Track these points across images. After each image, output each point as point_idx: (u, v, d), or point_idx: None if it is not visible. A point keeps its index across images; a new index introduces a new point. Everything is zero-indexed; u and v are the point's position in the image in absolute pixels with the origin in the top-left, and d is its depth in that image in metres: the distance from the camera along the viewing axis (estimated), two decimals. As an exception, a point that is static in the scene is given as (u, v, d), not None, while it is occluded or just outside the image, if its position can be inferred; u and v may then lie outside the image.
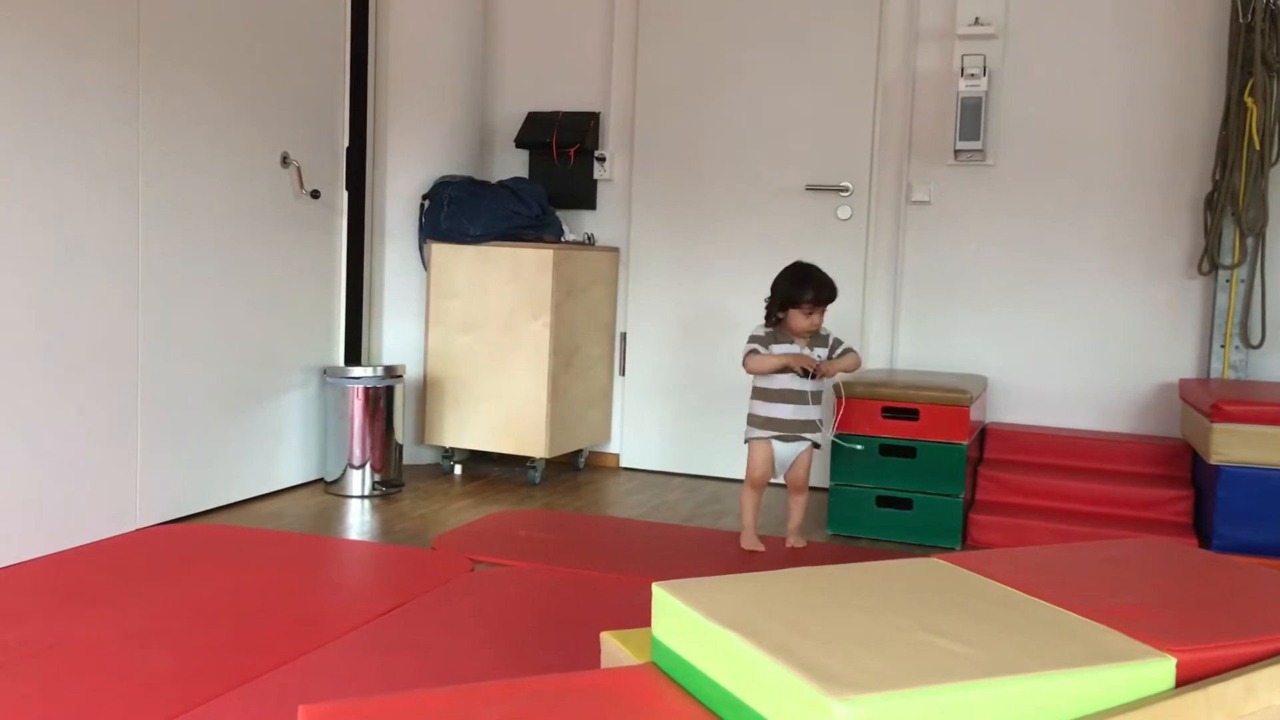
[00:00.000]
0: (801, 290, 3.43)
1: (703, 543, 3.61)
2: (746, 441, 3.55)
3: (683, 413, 4.73)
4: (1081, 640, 1.42)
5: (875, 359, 4.45)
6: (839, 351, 3.51)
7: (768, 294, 3.53)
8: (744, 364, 3.49)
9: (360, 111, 4.43)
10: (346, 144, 4.39)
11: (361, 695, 2.12)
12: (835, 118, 4.47)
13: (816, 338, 3.50)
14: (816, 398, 3.47)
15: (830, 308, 4.50)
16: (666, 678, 1.59)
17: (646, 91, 4.73)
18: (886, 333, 4.45)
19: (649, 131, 4.74)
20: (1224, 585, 1.73)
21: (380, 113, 4.52)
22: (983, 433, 4.13)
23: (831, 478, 3.81)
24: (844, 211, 4.48)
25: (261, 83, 3.90)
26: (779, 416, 3.47)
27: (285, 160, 4.03)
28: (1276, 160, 3.86)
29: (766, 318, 3.53)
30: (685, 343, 4.72)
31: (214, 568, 3.07)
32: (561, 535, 3.62)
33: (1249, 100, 3.79)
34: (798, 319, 3.43)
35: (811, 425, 3.48)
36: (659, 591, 1.63)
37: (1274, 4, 3.79)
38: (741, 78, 4.59)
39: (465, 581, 3.02)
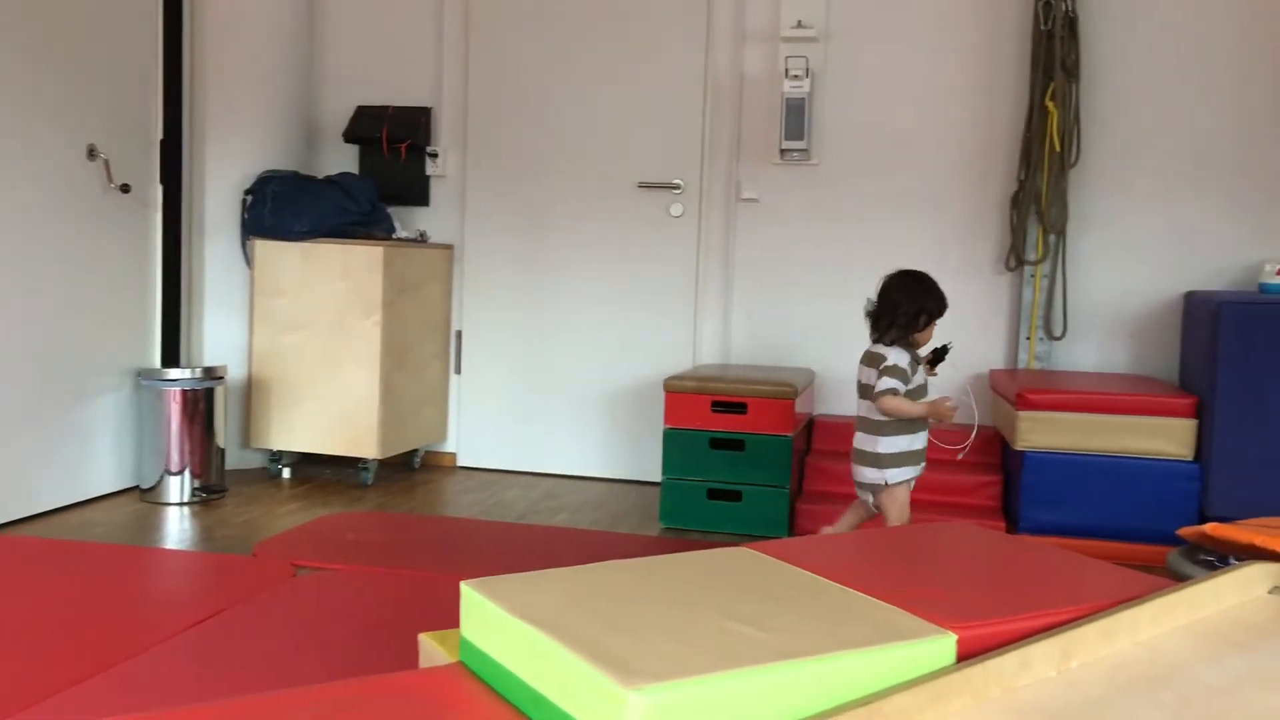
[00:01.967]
0: (940, 298, 3.03)
1: (536, 540, 3.60)
2: (890, 485, 2.98)
3: (520, 410, 4.71)
4: (872, 622, 1.48)
5: (708, 354, 4.53)
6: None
7: (871, 304, 3.06)
8: (882, 405, 2.94)
9: (175, 102, 4.25)
10: (160, 136, 4.21)
11: (170, 706, 2.04)
12: (666, 116, 4.52)
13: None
14: None
15: (664, 302, 4.60)
16: (474, 677, 1.58)
17: (479, 87, 4.69)
18: (719, 328, 4.53)
19: (482, 128, 4.70)
20: (1010, 565, 1.82)
21: (198, 104, 4.35)
22: (810, 424, 4.25)
23: (663, 472, 3.86)
24: (676, 209, 4.53)
25: (64, 70, 3.70)
26: (924, 447, 3.05)
27: (92, 153, 3.83)
28: (1075, 162, 4.08)
29: (885, 334, 3.01)
30: (522, 340, 4.70)
31: (15, 581, 2.91)
32: (391, 537, 3.56)
33: (1050, 104, 4.00)
34: (930, 332, 3.04)
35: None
36: (467, 590, 1.61)
37: (1072, 12, 4.01)
38: (574, 75, 4.60)
39: (287, 587, 2.93)
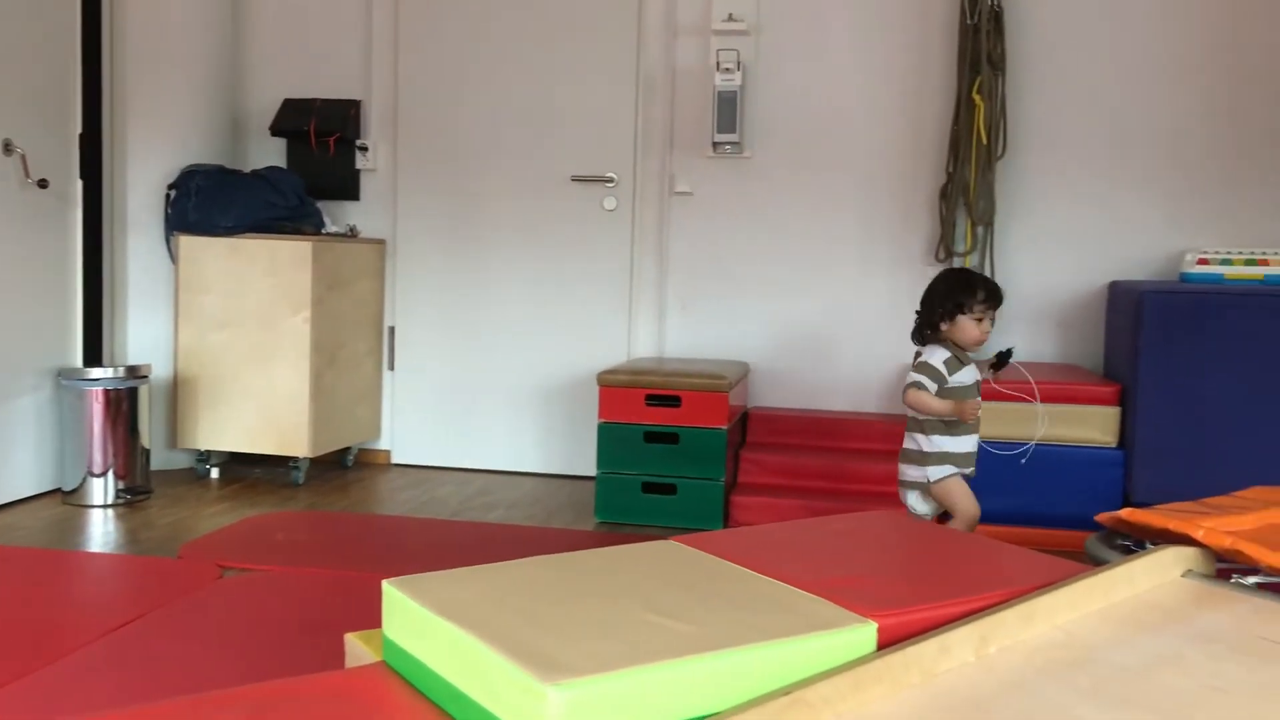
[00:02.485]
0: (970, 291, 2.89)
1: (469, 537, 3.58)
2: (935, 483, 2.92)
3: (455, 406, 4.67)
4: (794, 612, 1.48)
5: (643, 348, 4.52)
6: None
7: (916, 309, 3.00)
8: (906, 398, 2.89)
9: (94, 94, 4.15)
10: (80, 130, 4.10)
11: (89, 712, 2.00)
12: (599, 109, 4.50)
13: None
14: None
15: (598, 296, 4.58)
16: (397, 676, 1.56)
17: (409, 80, 4.64)
18: (654, 322, 4.52)
19: (413, 121, 4.65)
20: (932, 553, 1.84)
21: (118, 96, 4.25)
22: (745, 417, 4.27)
23: (598, 466, 3.85)
24: (610, 202, 4.52)
25: (-22, 62, 3.60)
26: (974, 450, 2.95)
27: (8, 147, 3.73)
28: (1002, 154, 4.14)
29: (920, 334, 2.98)
30: (456, 335, 4.66)
31: (-73, 590, 2.82)
32: (322, 536, 3.51)
33: (977, 97, 4.05)
34: (969, 328, 2.88)
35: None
36: (388, 589, 1.59)
37: (998, 6, 4.06)
38: (506, 68, 4.56)
39: (213, 589, 2.88)
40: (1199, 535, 1.66)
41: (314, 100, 4.65)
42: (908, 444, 2.98)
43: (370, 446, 4.73)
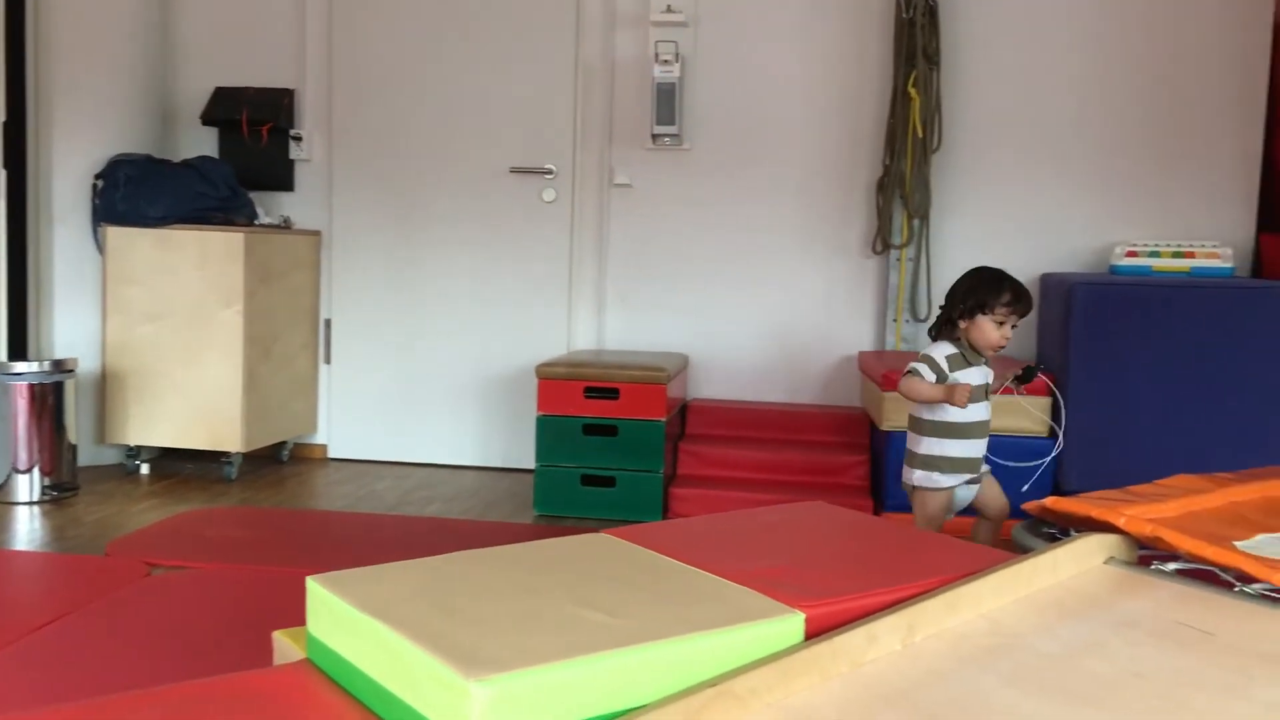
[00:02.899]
0: (997, 291, 2.72)
1: (406, 531, 3.54)
2: (916, 488, 2.81)
3: (392, 399, 4.63)
4: (722, 603, 1.48)
5: (583, 340, 4.51)
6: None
7: (940, 305, 2.88)
8: (899, 384, 2.81)
9: (19, 82, 4.03)
10: (3, 118, 3.99)
11: (9, 711, 1.94)
12: (538, 100, 4.47)
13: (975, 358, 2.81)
14: None
15: (538, 288, 4.55)
16: (321, 674, 1.53)
17: (344, 69, 4.57)
18: (593, 314, 4.51)
19: (348, 110, 4.58)
20: (861, 543, 1.85)
21: (44, 84, 4.14)
22: (684, 409, 4.27)
23: (537, 459, 3.83)
24: (549, 194, 4.50)
25: (-108, 47, 3.48)
26: (973, 455, 2.78)
27: (-75, 134, 3.62)
28: (938, 147, 4.18)
29: (937, 330, 2.85)
30: (393, 328, 4.61)
31: None
32: (254, 533, 3.45)
33: (912, 91, 4.08)
34: (988, 329, 2.73)
35: (984, 459, 2.84)
36: (312, 585, 1.57)
37: (932, 1, 4.10)
38: (444, 57, 4.52)
39: (140, 587, 2.82)
40: (1121, 523, 1.69)
41: (246, 89, 4.57)
42: (908, 444, 2.85)
43: (306, 441, 4.66)
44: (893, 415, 3.63)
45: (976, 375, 2.75)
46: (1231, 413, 3.49)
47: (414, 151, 4.55)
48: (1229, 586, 1.54)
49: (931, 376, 2.73)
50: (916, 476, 2.79)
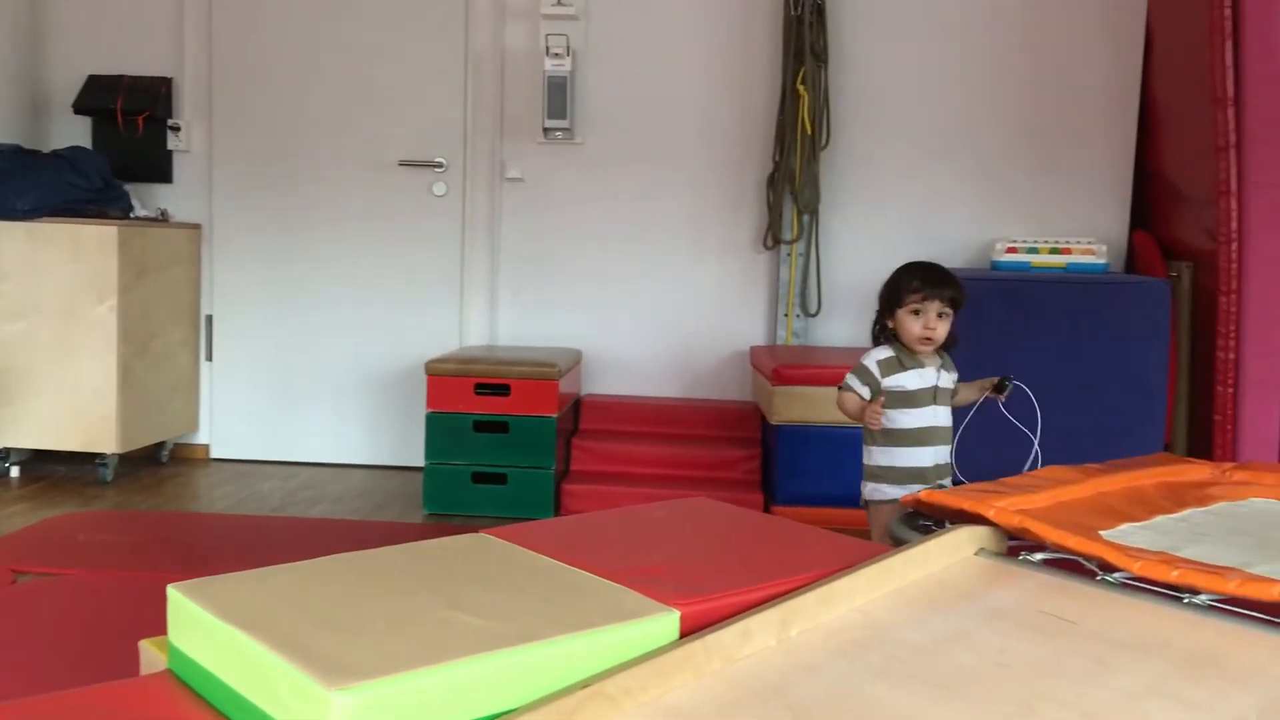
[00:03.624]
0: (906, 280, 2.55)
1: (289, 533, 3.46)
2: (867, 502, 2.63)
3: (278, 397, 4.51)
4: (598, 603, 1.47)
5: (475, 336, 4.46)
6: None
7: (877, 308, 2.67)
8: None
9: None
10: None
11: None
12: (427, 92, 4.41)
13: (943, 359, 2.60)
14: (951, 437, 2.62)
15: (428, 284, 4.48)
16: (182, 685, 1.47)
17: (225, 57, 4.44)
18: (486, 309, 4.46)
19: (229, 100, 4.45)
20: (740, 539, 1.86)
21: (-102, 68, 3.94)
22: (577, 404, 4.25)
23: (426, 457, 3.77)
24: (439, 188, 4.43)
25: None
26: (924, 464, 2.56)
27: None
28: (826, 144, 4.23)
29: (875, 335, 2.66)
30: (278, 324, 4.50)
31: None
32: (129, 537, 3.33)
33: (801, 88, 4.12)
34: (906, 323, 2.53)
35: (949, 468, 2.61)
36: (173, 593, 1.51)
37: None
38: (329, 46, 4.42)
39: (3, 595, 2.69)
40: (990, 515, 1.72)
41: (122, 76, 4.41)
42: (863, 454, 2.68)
43: (187, 441, 4.52)
44: (782, 409, 3.67)
45: (913, 378, 2.55)
46: (1103, 404, 3.60)
47: (299, 143, 4.44)
48: (1092, 576, 1.58)
49: (864, 388, 2.57)
50: (867, 489, 2.61)
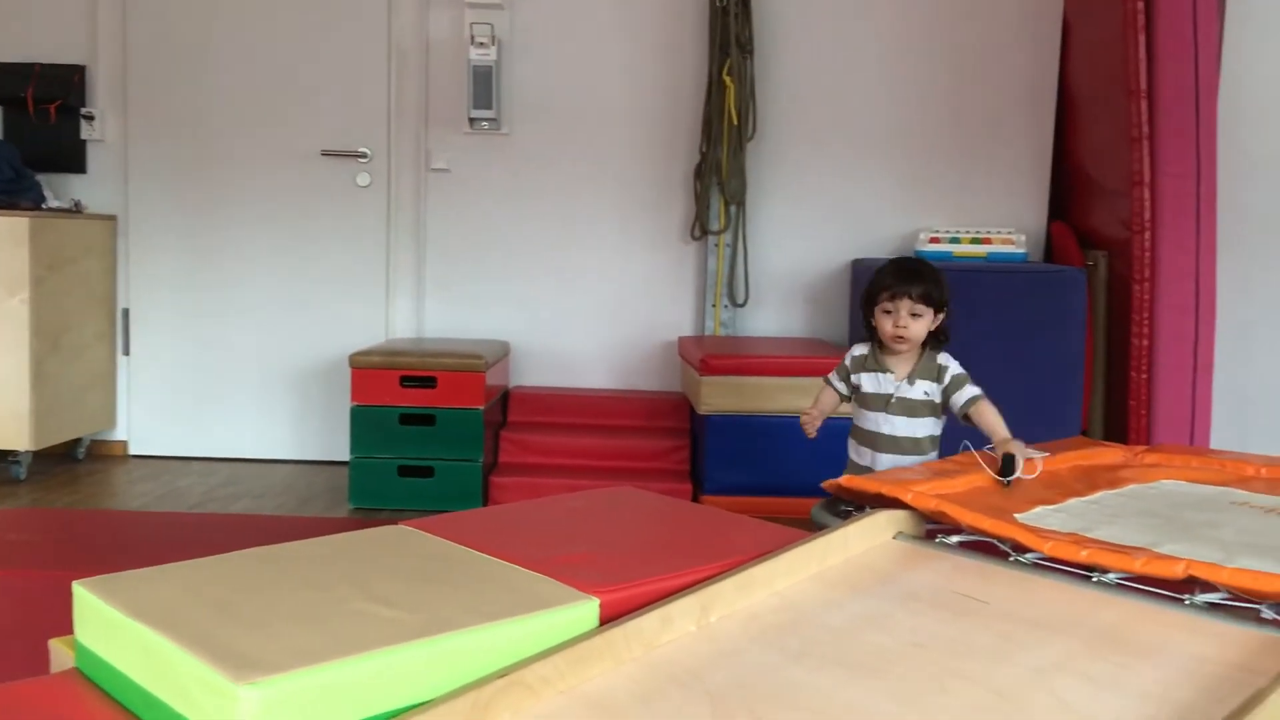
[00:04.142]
0: (880, 276, 2.49)
1: (208, 530, 3.38)
2: None
3: (199, 392, 4.42)
4: (517, 592, 1.46)
5: (402, 329, 4.41)
6: (964, 400, 2.43)
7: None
8: None
9: None
10: None
11: None
12: (349, 81, 4.34)
13: (930, 369, 2.49)
14: (931, 446, 2.51)
15: (353, 276, 4.41)
16: (89, 684, 1.44)
17: (141, 45, 4.33)
18: (412, 301, 4.41)
19: (146, 89, 4.34)
20: (662, 527, 1.86)
21: None
22: (505, 396, 4.22)
23: (351, 450, 3.72)
24: (363, 178, 4.37)
25: None
26: (871, 467, 2.49)
27: None
28: (752, 135, 4.25)
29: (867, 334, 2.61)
30: (199, 317, 4.40)
31: None
32: (41, 535, 3.23)
33: (727, 79, 4.14)
34: (880, 322, 2.48)
35: None
36: (79, 590, 1.47)
37: (746, -8, 4.16)
38: (248, 33, 4.33)
39: (-93, 599, 2.60)
40: (908, 499, 1.74)
41: (32, 64, 4.28)
42: None
43: (104, 438, 4.41)
44: (710, 399, 3.68)
45: (870, 381, 2.52)
46: (1024, 389, 3.65)
47: (218, 132, 4.35)
48: (1005, 557, 1.61)
49: (840, 383, 2.58)
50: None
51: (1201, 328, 3.50)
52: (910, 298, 2.44)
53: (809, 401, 2.68)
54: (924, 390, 2.47)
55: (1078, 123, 4.19)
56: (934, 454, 2.48)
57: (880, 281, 2.48)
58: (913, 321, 2.44)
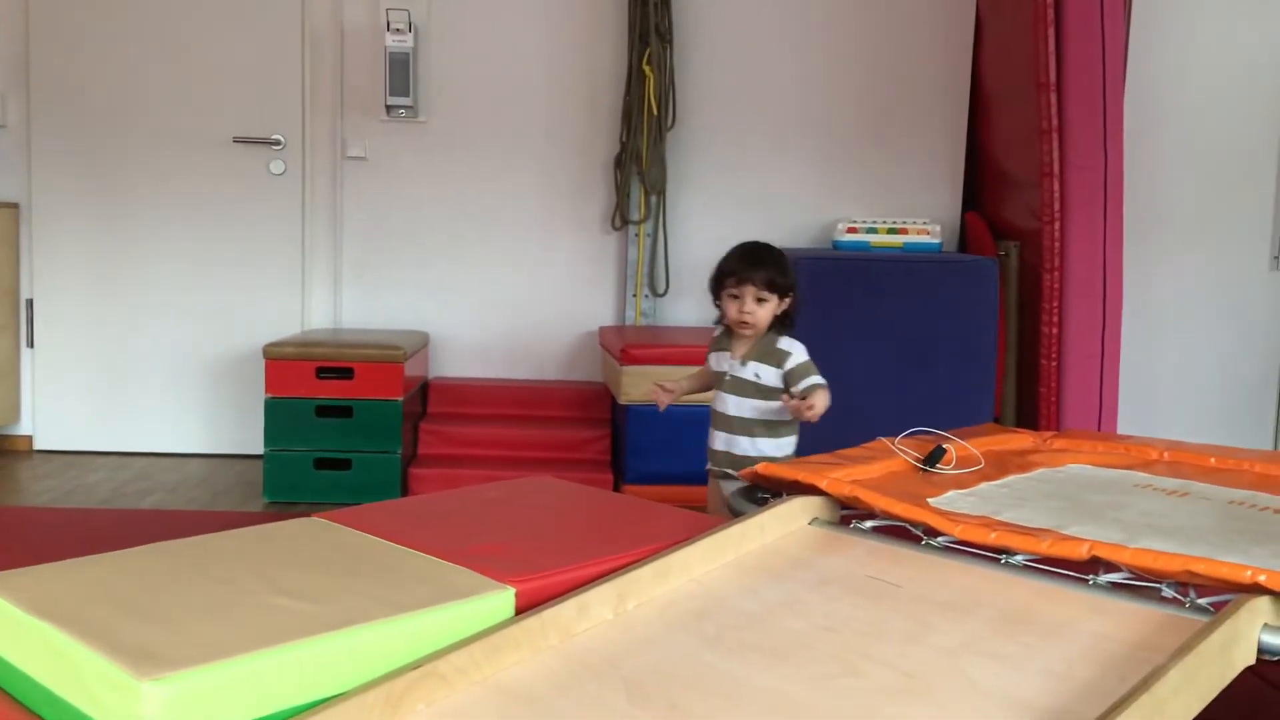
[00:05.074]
0: (725, 262, 2.49)
1: (116, 526, 3.30)
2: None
3: (107, 385, 4.30)
4: (431, 583, 1.44)
5: (319, 319, 4.34)
6: (802, 386, 2.42)
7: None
8: None
9: None
10: None
11: None
12: (262, 66, 4.25)
13: (768, 352, 2.48)
14: (759, 429, 2.48)
15: (268, 265, 4.31)
16: (-13, 684, 1.39)
17: (42, 25, 4.19)
18: (329, 292, 4.34)
19: (49, 72, 4.20)
20: (580, 516, 1.86)
21: None
22: (425, 388, 4.18)
23: (266, 443, 3.65)
24: (277, 166, 4.29)
25: None
26: (717, 449, 2.53)
27: None
28: (672, 125, 4.25)
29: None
30: (107, 308, 4.28)
31: None
32: (-60, 534, 3.13)
33: (647, 68, 4.14)
34: (726, 307, 2.48)
35: (747, 461, 2.31)
36: (-25, 588, 1.42)
37: (665, -18, 4.16)
38: (157, 15, 4.21)
39: None
40: (824, 485, 1.76)
41: (-74, 44, 4.12)
42: None
43: (8, 432, 4.28)
44: (631, 389, 3.69)
45: (715, 360, 2.56)
46: (939, 376, 3.74)
47: (125, 117, 4.23)
48: (918, 541, 1.63)
49: (710, 360, 2.59)
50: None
51: (1109, 317, 3.60)
52: (754, 284, 2.43)
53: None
54: (755, 372, 2.47)
55: (990, 115, 4.27)
56: (766, 439, 2.48)
57: (726, 267, 2.48)
58: (758, 307, 2.45)
